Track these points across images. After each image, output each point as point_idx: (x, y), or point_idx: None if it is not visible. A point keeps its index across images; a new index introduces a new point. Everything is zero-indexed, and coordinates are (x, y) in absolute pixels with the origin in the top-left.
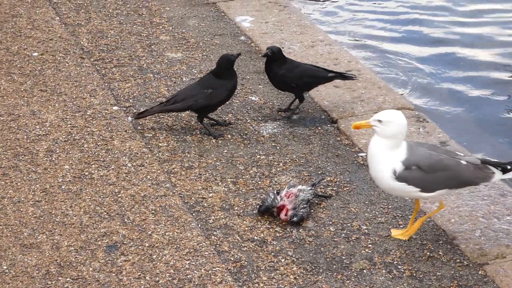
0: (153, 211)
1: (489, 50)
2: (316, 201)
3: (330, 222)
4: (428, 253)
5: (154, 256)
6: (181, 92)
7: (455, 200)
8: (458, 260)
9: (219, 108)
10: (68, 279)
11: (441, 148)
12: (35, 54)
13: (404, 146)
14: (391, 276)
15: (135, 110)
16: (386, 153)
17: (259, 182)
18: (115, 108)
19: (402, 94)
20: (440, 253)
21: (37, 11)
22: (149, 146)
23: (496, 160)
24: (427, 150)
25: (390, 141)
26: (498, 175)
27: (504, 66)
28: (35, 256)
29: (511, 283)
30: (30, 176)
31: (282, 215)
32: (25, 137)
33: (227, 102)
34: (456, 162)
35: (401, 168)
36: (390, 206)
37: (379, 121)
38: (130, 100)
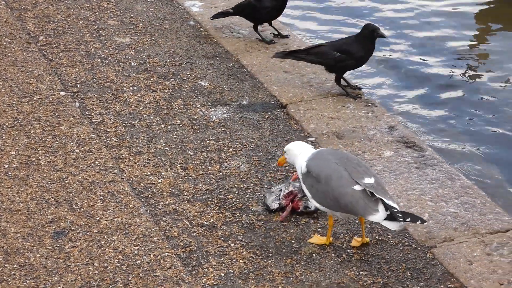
0: (101, 197)
1: (439, 30)
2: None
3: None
4: (376, 237)
5: (103, 242)
6: (318, 47)
7: (404, 184)
8: (406, 244)
9: None
10: (15, 266)
11: (356, 166)
12: None
13: (313, 150)
14: (340, 260)
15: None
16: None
17: (209, 167)
18: (62, 93)
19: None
20: (388, 236)
21: None
22: (97, 132)
23: (394, 205)
24: (333, 159)
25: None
26: (379, 216)
27: (458, 49)
28: None
29: (458, 265)
30: None
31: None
32: None
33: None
34: (344, 184)
35: (305, 170)
36: None
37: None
38: (78, 85)
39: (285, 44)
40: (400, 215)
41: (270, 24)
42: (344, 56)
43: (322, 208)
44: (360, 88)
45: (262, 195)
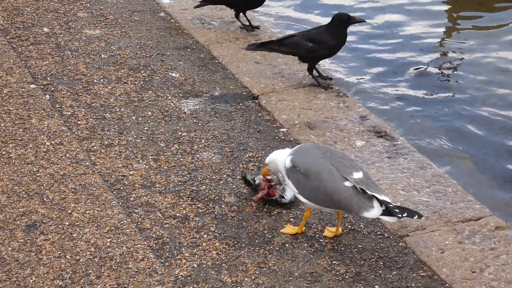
0: (72, 190)
1: (411, 19)
2: None
3: (252, 197)
4: (349, 226)
5: (75, 235)
6: (290, 37)
7: (375, 173)
8: (379, 233)
9: None
10: None
11: (341, 160)
12: None
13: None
14: (313, 250)
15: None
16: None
17: (181, 159)
18: (33, 86)
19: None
20: (361, 226)
21: None
22: (67, 124)
23: (388, 200)
24: (318, 154)
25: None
26: (375, 212)
27: (428, 38)
28: None
29: (431, 254)
30: None
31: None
32: None
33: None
34: (336, 180)
35: (289, 164)
36: None
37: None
38: (48, 78)
39: (256, 35)
40: (398, 210)
41: (244, 14)
42: (317, 46)
43: (311, 204)
44: (331, 79)
45: (241, 172)
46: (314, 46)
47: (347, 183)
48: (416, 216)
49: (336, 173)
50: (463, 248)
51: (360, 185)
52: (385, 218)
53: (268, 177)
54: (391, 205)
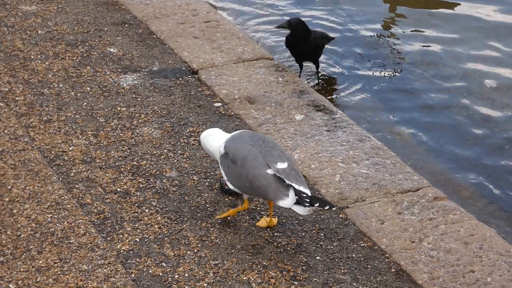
0: (12, 166)
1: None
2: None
3: (194, 172)
4: None
5: (15, 211)
6: None
7: (315, 146)
8: None
9: None
10: None
11: (271, 150)
12: None
13: (231, 134)
14: (254, 222)
15: None
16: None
17: (121, 134)
18: None
19: (261, 45)
20: None
21: None
22: (5, 100)
23: (304, 190)
24: (249, 141)
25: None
26: (289, 201)
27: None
28: None
29: (371, 225)
30: None
31: None
32: None
33: None
34: (259, 166)
35: (223, 151)
36: None
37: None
38: None
39: (194, 10)
40: (308, 200)
41: None
42: None
43: (237, 190)
44: None
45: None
46: None
47: (269, 171)
48: (328, 207)
49: (261, 160)
50: (402, 219)
51: (281, 175)
52: (296, 209)
53: None
54: (304, 195)
